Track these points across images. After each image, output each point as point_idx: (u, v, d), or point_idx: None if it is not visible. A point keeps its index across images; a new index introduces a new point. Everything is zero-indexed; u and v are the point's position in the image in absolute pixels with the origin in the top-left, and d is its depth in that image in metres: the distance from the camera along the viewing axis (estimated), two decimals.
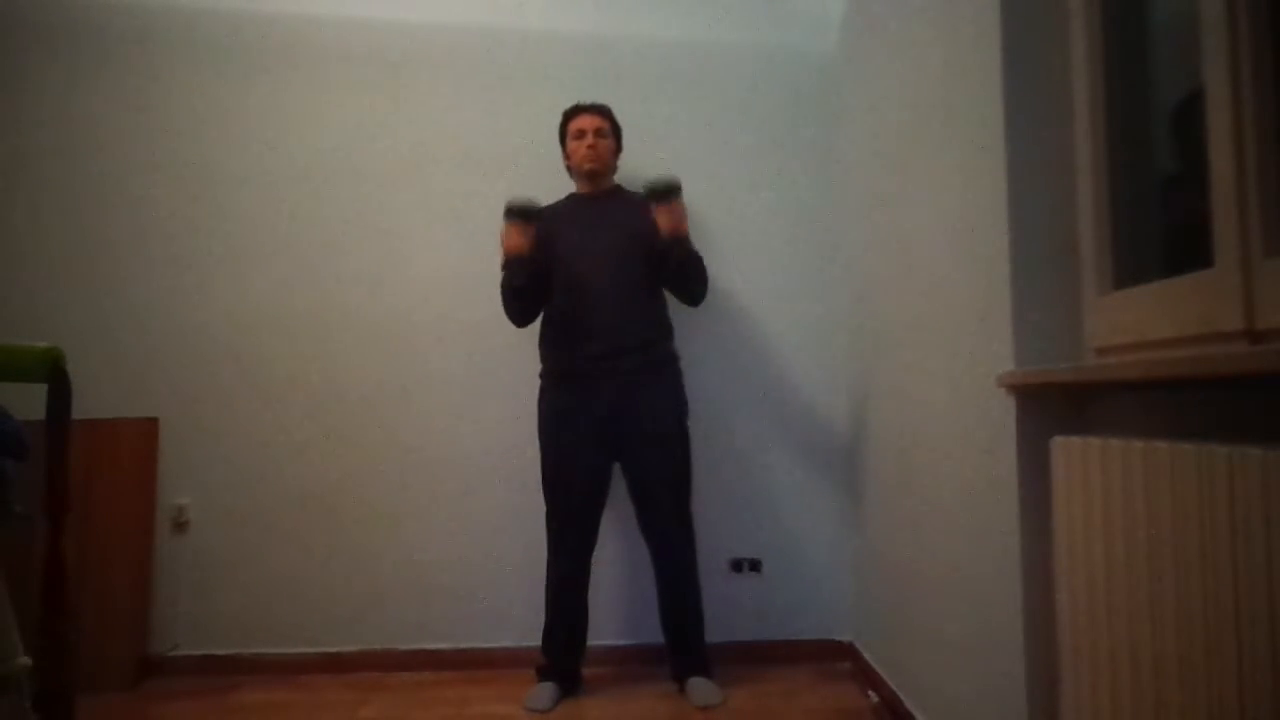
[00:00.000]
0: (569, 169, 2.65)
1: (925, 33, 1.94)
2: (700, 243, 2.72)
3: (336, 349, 2.85)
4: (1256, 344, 1.01)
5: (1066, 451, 1.24)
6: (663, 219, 2.45)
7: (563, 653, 2.48)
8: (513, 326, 2.59)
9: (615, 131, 2.65)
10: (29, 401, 1.55)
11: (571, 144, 2.61)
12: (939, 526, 1.88)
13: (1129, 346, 1.29)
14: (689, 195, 2.62)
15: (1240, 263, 1.03)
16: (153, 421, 2.80)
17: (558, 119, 2.65)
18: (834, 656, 2.75)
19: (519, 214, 2.45)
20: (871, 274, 2.47)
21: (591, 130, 2.58)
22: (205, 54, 2.90)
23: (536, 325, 2.59)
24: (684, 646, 2.50)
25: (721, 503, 2.79)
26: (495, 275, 2.55)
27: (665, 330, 2.56)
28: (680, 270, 2.49)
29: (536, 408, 2.55)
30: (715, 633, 2.57)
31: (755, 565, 2.82)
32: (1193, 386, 1.12)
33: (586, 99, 2.64)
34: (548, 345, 2.56)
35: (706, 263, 2.54)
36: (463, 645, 2.76)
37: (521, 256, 2.46)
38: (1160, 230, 1.36)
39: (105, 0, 2.90)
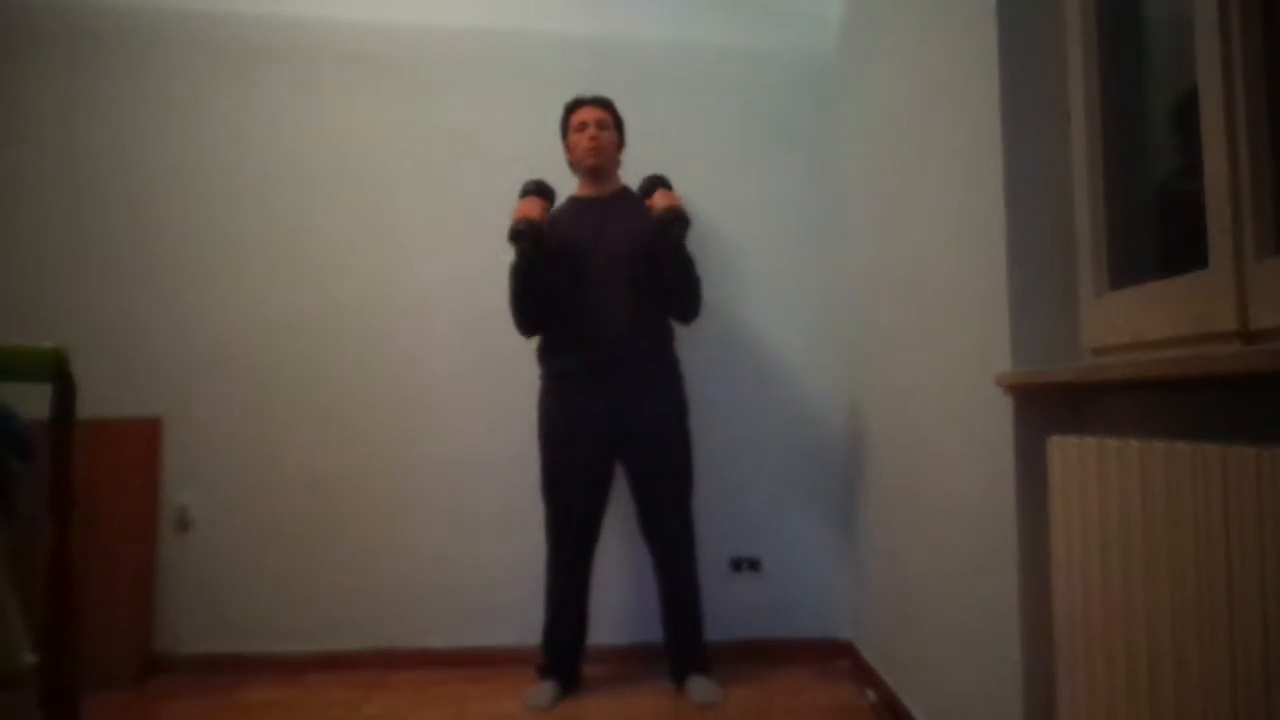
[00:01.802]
0: (570, 164, 2.62)
1: (923, 34, 1.95)
2: (699, 243, 2.72)
3: (338, 349, 2.85)
4: (1250, 344, 1.02)
5: (1063, 451, 1.25)
6: (660, 200, 2.40)
7: (563, 652, 2.49)
8: (513, 328, 2.60)
9: (618, 125, 2.60)
10: (33, 402, 1.56)
11: (573, 137, 2.57)
12: (937, 526, 1.89)
13: (1125, 347, 1.30)
14: (690, 196, 2.62)
15: (1234, 264, 1.04)
16: (156, 422, 2.81)
17: (558, 119, 2.65)
18: (833, 655, 2.75)
19: (535, 190, 2.43)
20: (870, 274, 2.48)
21: (593, 122, 2.54)
22: (205, 56, 2.91)
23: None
24: (684, 645, 2.51)
25: (721, 502, 2.79)
26: (495, 275, 2.54)
27: (666, 333, 2.56)
28: (677, 264, 2.42)
29: (537, 410, 2.55)
30: (715, 631, 2.58)
31: (755, 564, 2.82)
32: (1188, 386, 1.13)
33: (583, 95, 2.61)
34: (548, 346, 2.56)
35: (708, 263, 2.54)
36: (463, 644, 2.77)
37: (534, 221, 2.37)
38: (1156, 231, 1.37)
39: (106, 3, 2.91)
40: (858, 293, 2.64)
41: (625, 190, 2.63)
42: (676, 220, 2.37)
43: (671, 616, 2.52)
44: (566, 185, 2.64)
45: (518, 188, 2.58)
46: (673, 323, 2.58)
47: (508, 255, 2.62)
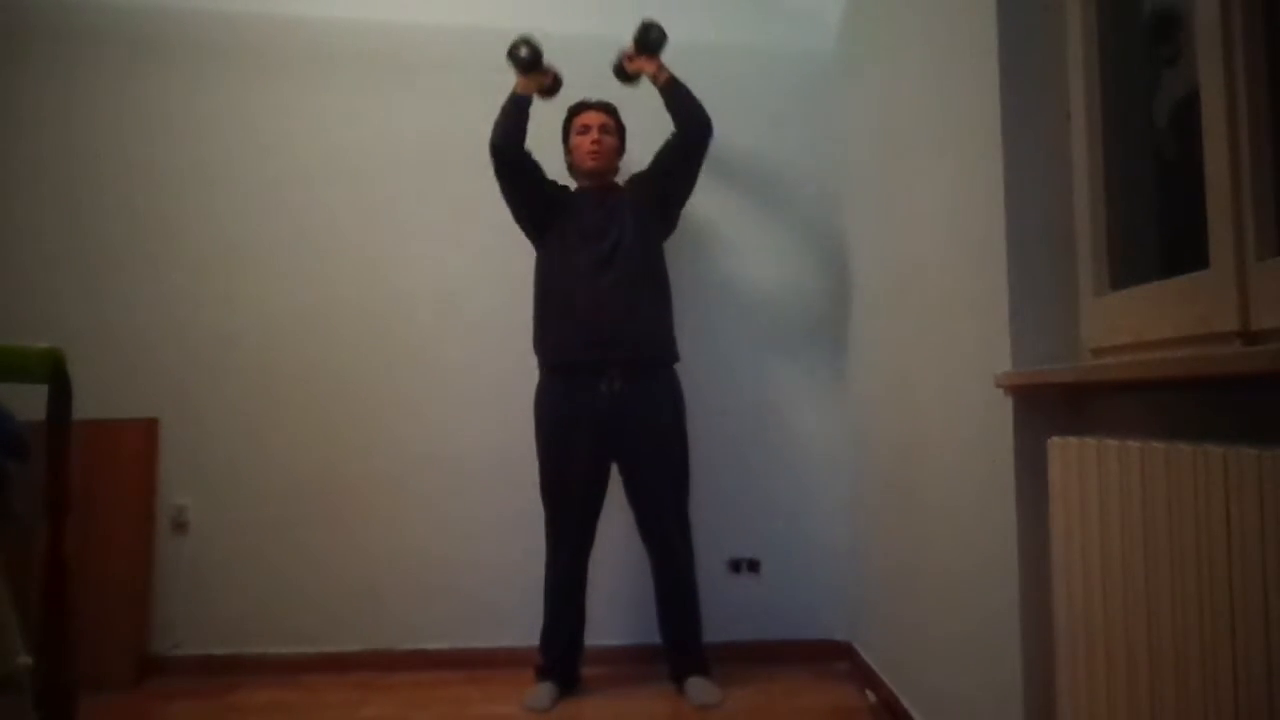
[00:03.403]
0: (570, 168, 2.63)
1: (923, 33, 1.95)
2: (700, 241, 2.72)
3: (337, 349, 2.85)
4: (1251, 344, 1.02)
5: (1063, 452, 1.24)
6: (649, 67, 2.57)
7: (562, 653, 2.48)
8: (513, 326, 2.59)
9: (620, 131, 2.63)
10: (30, 402, 1.55)
11: (575, 139, 2.59)
12: (936, 526, 1.89)
13: (1125, 347, 1.29)
14: (690, 195, 2.62)
15: (1235, 264, 1.04)
16: (153, 422, 2.80)
17: (557, 119, 2.65)
18: (832, 656, 2.75)
19: (525, 66, 2.52)
20: (870, 274, 2.48)
21: (596, 126, 2.56)
22: (205, 55, 2.90)
23: (532, 321, 2.57)
24: (682, 646, 2.50)
25: (720, 503, 2.79)
26: (496, 276, 2.54)
27: (666, 328, 2.54)
28: (679, 105, 2.53)
29: (534, 408, 2.54)
30: (714, 633, 2.58)
31: (754, 565, 2.82)
32: (1189, 387, 1.12)
33: (588, 99, 2.63)
34: (544, 337, 2.52)
35: (706, 262, 2.53)
36: (462, 645, 2.77)
37: (527, 96, 2.55)
38: (1156, 231, 1.37)
39: (105, 2, 2.91)
40: (857, 292, 2.64)
41: (620, 187, 2.63)
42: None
43: (670, 617, 2.52)
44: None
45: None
46: (673, 296, 2.57)
47: (510, 256, 2.63)
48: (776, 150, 2.92)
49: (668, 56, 2.61)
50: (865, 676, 2.49)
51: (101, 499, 2.64)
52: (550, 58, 2.72)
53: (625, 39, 2.67)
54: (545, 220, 2.55)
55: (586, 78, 2.71)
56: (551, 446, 2.50)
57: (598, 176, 2.58)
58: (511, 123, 2.52)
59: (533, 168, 2.56)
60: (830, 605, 2.80)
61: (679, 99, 2.54)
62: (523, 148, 2.54)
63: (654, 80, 2.57)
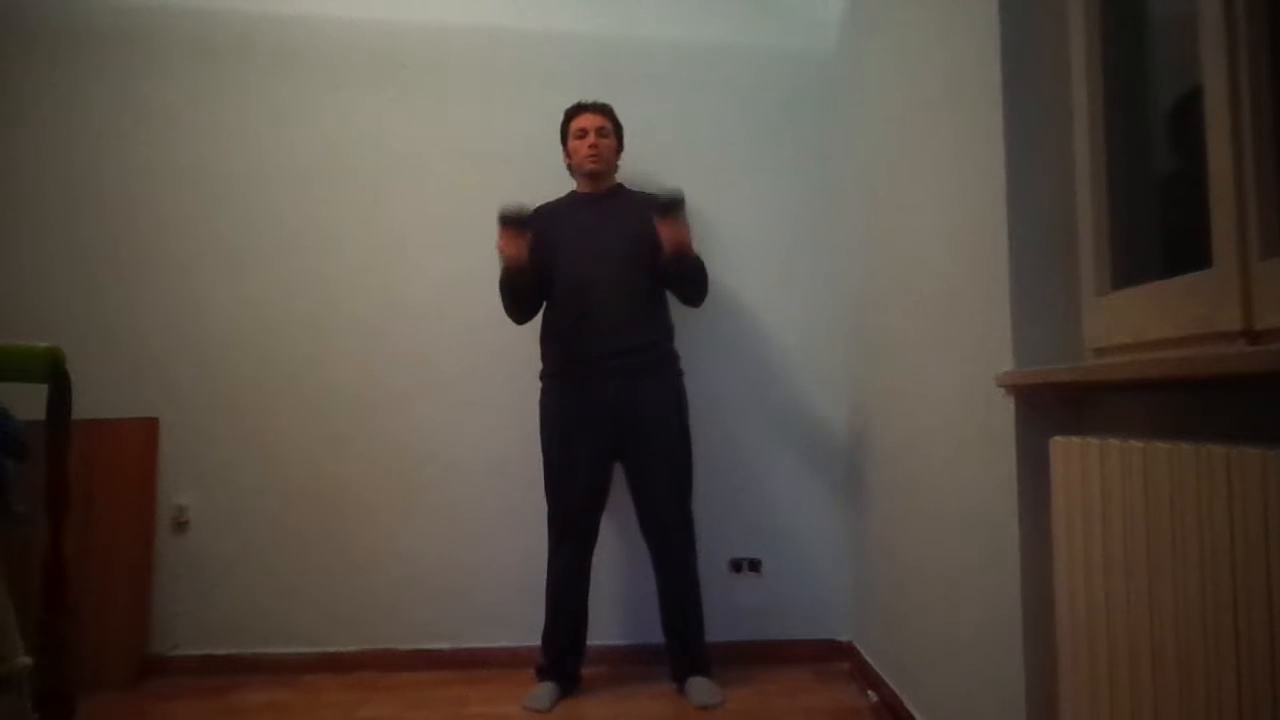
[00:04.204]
0: (570, 168, 2.65)
1: (924, 33, 1.95)
2: (700, 243, 2.71)
3: (337, 349, 2.85)
4: (1254, 344, 1.01)
5: (1065, 452, 1.24)
6: (666, 233, 2.37)
7: (562, 653, 2.48)
8: (513, 325, 2.60)
9: (617, 130, 2.65)
10: (29, 402, 1.55)
11: (573, 143, 2.61)
12: (938, 526, 1.88)
13: (1127, 347, 1.29)
14: (690, 195, 2.63)
15: (1238, 263, 1.03)
16: (153, 422, 2.80)
17: (557, 119, 2.65)
18: (833, 656, 2.75)
19: (512, 222, 2.37)
20: (871, 274, 2.47)
21: (593, 129, 2.58)
22: (204, 55, 2.90)
23: (537, 324, 2.60)
24: (684, 646, 2.50)
25: (721, 503, 2.79)
26: (495, 274, 2.53)
27: (665, 330, 2.57)
28: (682, 280, 2.50)
29: (538, 408, 2.55)
30: (715, 633, 2.57)
31: (755, 565, 2.82)
32: (1191, 387, 1.12)
33: (586, 99, 2.64)
34: (548, 344, 2.57)
35: (707, 263, 2.54)
36: (462, 645, 2.76)
37: (519, 266, 2.42)
38: (1159, 230, 1.36)
39: (105, 2, 2.90)
40: (858, 292, 2.64)
41: (621, 187, 2.66)
42: (680, 259, 2.40)
43: (671, 616, 2.51)
44: (562, 190, 2.66)
45: (519, 186, 2.58)
46: (672, 320, 2.60)
47: None
48: (776, 151, 2.92)
49: (668, 61, 2.60)
50: (867, 676, 2.49)
51: (101, 499, 2.64)
52: (551, 57, 2.73)
53: (625, 38, 2.68)
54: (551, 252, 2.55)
55: (587, 78, 2.70)
56: (555, 445, 2.50)
57: (597, 178, 2.61)
58: (519, 304, 2.53)
59: (540, 284, 2.52)
60: (831, 605, 2.79)
61: (683, 273, 2.46)
62: (538, 301, 2.56)
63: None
